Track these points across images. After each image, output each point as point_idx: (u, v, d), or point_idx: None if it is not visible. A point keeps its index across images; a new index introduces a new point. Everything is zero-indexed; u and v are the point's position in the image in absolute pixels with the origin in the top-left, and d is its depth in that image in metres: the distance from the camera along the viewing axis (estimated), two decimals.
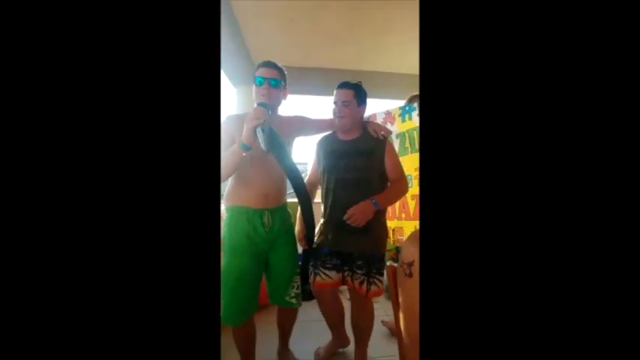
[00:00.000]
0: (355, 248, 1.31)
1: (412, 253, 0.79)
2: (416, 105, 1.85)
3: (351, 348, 1.56)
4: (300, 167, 1.31)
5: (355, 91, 1.32)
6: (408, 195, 1.73)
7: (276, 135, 1.11)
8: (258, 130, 1.04)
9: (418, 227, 1.74)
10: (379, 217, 1.35)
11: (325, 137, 1.44)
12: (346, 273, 1.35)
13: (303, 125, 1.39)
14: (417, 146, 1.84)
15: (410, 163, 1.82)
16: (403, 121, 1.89)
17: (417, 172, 1.80)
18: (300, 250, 1.41)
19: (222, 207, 1.34)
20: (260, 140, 1.04)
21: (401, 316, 0.86)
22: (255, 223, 1.22)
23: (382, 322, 1.86)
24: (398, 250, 1.95)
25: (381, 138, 1.34)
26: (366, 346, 1.47)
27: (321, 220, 1.42)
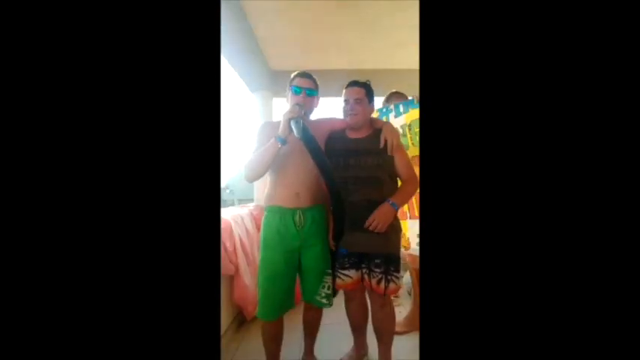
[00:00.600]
0: (373, 248, 1.32)
1: None
2: (392, 106, 1.84)
3: (373, 354, 1.54)
4: None
5: (366, 90, 1.36)
6: None
7: (308, 129, 1.18)
8: (293, 121, 1.14)
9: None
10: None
11: (334, 135, 1.42)
12: (364, 270, 1.35)
13: (332, 126, 1.45)
14: None
15: None
16: None
17: None
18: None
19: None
20: (294, 131, 1.14)
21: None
22: (287, 220, 1.30)
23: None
24: None
25: (390, 148, 1.33)
26: (389, 349, 1.44)
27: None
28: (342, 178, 1.31)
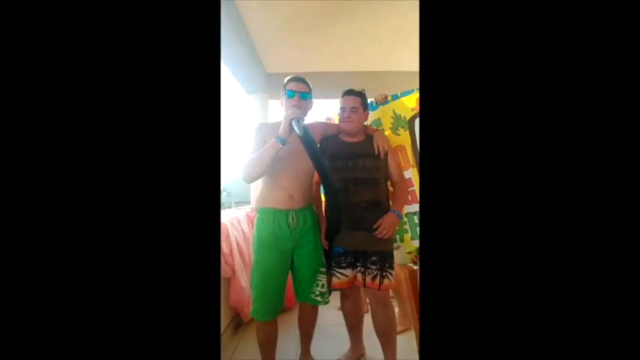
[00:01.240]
0: (370, 246, 1.38)
1: None
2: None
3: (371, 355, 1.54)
4: None
5: (361, 98, 1.45)
6: None
7: (309, 130, 1.21)
8: (294, 121, 1.17)
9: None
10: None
11: (329, 139, 1.48)
12: (359, 269, 1.40)
13: (325, 130, 1.51)
14: None
15: None
16: None
17: None
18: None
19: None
20: (297, 130, 1.16)
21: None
22: (281, 222, 1.33)
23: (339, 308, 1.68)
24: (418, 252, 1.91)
25: (382, 153, 1.41)
26: (393, 351, 1.45)
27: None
28: (341, 179, 1.37)
